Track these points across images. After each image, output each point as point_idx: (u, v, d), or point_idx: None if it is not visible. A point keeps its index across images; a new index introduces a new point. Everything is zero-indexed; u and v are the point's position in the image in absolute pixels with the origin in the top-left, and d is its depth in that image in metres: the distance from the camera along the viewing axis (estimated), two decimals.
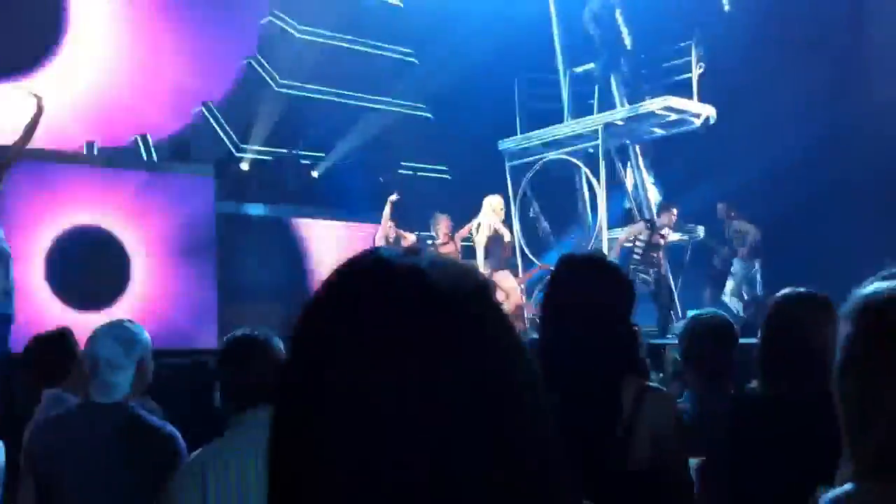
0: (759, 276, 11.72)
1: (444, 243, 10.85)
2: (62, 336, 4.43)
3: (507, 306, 10.47)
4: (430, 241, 11.27)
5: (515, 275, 11.54)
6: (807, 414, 2.47)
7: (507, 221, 12.08)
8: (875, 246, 11.26)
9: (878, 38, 12.16)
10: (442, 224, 10.99)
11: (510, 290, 10.41)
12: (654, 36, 12.59)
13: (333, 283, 0.87)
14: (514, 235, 12.21)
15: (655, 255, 10.82)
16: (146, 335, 3.37)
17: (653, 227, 10.80)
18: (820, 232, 11.34)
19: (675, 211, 11.00)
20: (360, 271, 0.87)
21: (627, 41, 12.51)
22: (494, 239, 10.51)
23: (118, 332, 3.26)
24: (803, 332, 2.79)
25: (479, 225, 10.60)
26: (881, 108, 11.77)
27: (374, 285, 0.84)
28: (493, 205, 10.67)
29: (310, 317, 0.87)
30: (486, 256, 10.45)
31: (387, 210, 11.39)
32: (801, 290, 2.92)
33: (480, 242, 10.50)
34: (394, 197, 11.38)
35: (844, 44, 12.57)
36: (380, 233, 11.50)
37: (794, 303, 2.90)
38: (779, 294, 2.98)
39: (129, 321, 3.39)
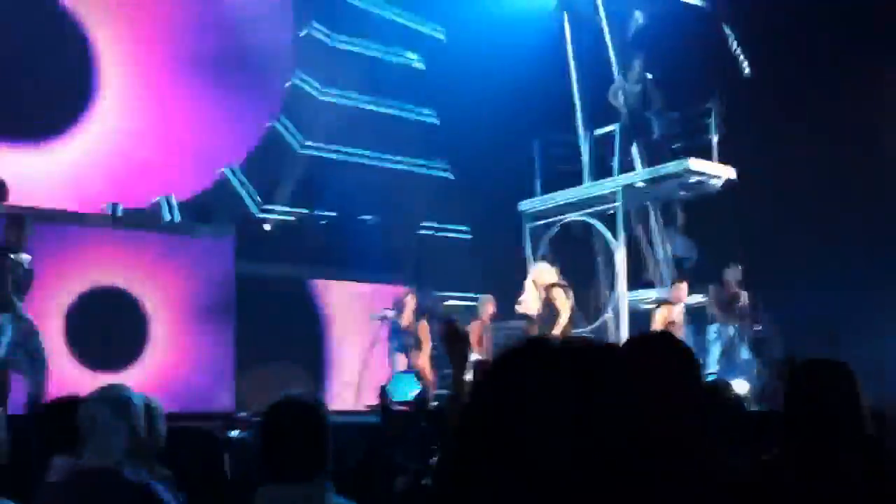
0: (740, 340, 11.37)
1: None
2: (73, 404, 4.39)
3: None
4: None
5: None
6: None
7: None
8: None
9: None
10: (488, 306, 11.29)
11: None
12: (675, 99, 12.63)
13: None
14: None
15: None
16: (139, 399, 3.35)
17: (671, 306, 10.90)
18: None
19: (684, 286, 11.01)
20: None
21: (652, 103, 12.56)
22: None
23: (111, 396, 3.25)
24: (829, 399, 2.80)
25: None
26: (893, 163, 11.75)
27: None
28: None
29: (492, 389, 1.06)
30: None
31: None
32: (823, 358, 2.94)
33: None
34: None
35: (861, 99, 12.57)
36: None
37: (819, 370, 2.90)
38: (802, 361, 2.99)
39: (123, 385, 3.37)
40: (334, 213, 14.84)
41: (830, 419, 2.73)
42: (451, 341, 3.38)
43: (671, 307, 11.03)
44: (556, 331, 10.54)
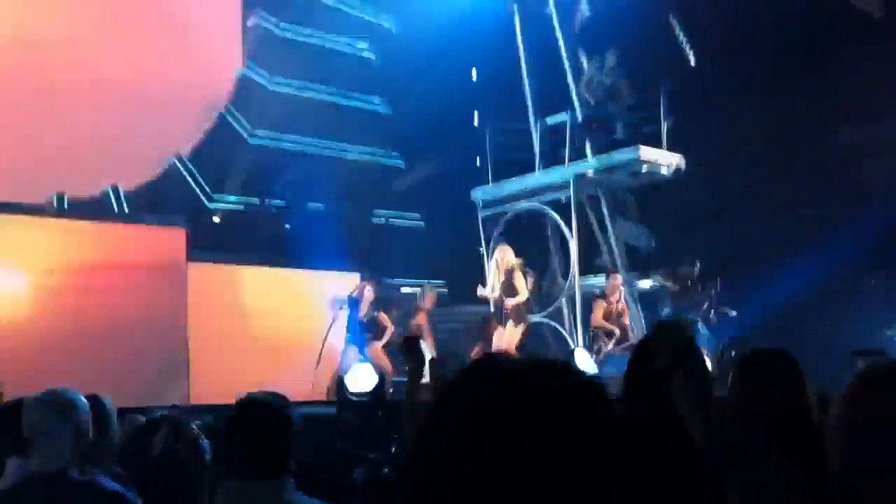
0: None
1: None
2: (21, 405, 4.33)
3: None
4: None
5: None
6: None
7: (478, 270, 12.18)
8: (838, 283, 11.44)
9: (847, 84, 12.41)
10: (429, 296, 11.34)
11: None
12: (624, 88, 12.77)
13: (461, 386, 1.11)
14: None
15: (615, 326, 11.08)
16: (83, 401, 3.31)
17: (606, 299, 11.13)
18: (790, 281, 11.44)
19: (618, 277, 11.26)
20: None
21: (620, 97, 12.69)
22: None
23: (53, 399, 3.20)
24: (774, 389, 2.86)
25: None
26: (848, 152, 12.00)
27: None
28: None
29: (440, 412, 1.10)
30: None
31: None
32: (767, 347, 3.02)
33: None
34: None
35: (809, 89, 12.82)
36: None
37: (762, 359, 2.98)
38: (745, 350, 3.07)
39: (67, 388, 3.32)
40: (285, 203, 14.77)
41: (776, 409, 2.80)
42: (410, 355, 4.11)
43: (608, 299, 11.24)
44: (509, 305, 10.81)
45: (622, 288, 11.45)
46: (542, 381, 1.07)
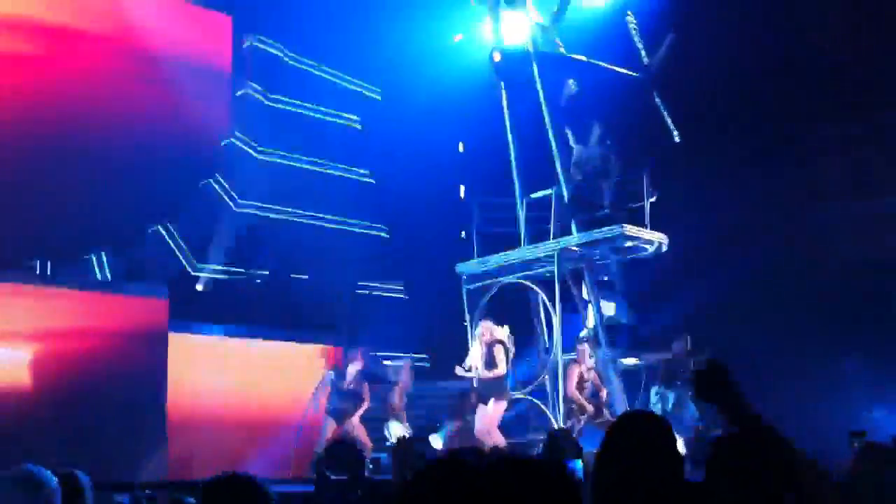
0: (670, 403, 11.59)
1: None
2: None
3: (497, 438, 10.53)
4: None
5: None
6: None
7: (463, 345, 12.12)
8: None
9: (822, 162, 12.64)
10: (406, 374, 11.41)
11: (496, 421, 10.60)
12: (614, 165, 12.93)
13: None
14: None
15: (587, 403, 11.10)
16: (53, 478, 3.23)
17: (580, 366, 11.16)
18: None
19: (584, 347, 11.31)
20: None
21: (611, 171, 12.82)
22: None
23: (20, 478, 3.12)
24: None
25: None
26: (827, 228, 12.14)
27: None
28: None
29: None
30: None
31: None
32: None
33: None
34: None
35: (788, 167, 13.04)
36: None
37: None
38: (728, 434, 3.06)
39: (33, 466, 3.23)
40: (269, 272, 14.73)
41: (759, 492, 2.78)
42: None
43: (581, 366, 11.40)
44: (486, 377, 10.93)
45: (590, 354, 11.50)
46: (500, 489, 1.10)
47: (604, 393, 11.50)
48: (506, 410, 11.23)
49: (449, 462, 1.14)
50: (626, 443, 2.57)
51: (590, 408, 11.14)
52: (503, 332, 11.27)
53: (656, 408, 11.34)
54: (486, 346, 11.07)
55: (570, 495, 1.06)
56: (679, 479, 2.47)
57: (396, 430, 11.22)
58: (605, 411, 11.29)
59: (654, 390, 11.56)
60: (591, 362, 11.49)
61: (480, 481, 1.05)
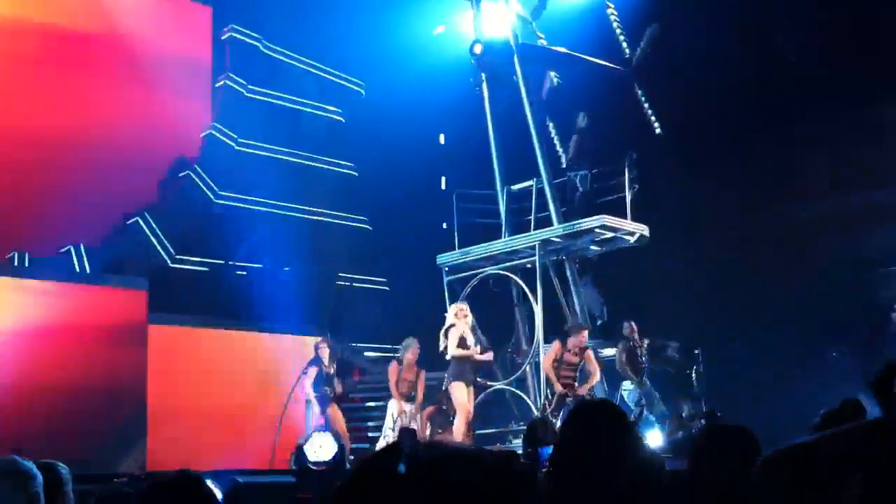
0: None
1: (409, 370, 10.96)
2: None
3: (458, 421, 10.48)
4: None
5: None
6: None
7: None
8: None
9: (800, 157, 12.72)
10: (411, 350, 11.07)
11: (461, 404, 10.48)
12: (591, 157, 12.98)
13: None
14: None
15: (569, 375, 10.87)
16: (36, 469, 3.24)
17: (564, 346, 10.93)
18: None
19: (584, 333, 11.07)
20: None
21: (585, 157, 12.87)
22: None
23: (7, 469, 3.14)
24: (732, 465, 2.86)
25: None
26: (805, 223, 12.22)
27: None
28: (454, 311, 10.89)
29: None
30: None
31: None
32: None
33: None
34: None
35: (769, 162, 13.12)
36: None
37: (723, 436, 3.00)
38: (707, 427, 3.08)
39: (17, 457, 3.25)
40: (250, 264, 14.68)
41: (732, 483, 2.81)
42: None
43: (566, 347, 11.13)
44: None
45: (587, 344, 11.28)
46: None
47: (586, 386, 11.34)
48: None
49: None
50: (578, 433, 2.57)
51: (559, 386, 10.83)
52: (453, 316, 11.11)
53: (630, 400, 11.39)
54: (472, 329, 10.96)
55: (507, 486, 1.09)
56: (642, 465, 2.48)
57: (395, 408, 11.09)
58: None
59: (626, 383, 11.61)
60: (579, 348, 11.22)
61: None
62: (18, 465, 3.19)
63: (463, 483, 1.15)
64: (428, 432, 10.88)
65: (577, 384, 10.83)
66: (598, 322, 12.77)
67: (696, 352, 11.89)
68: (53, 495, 3.69)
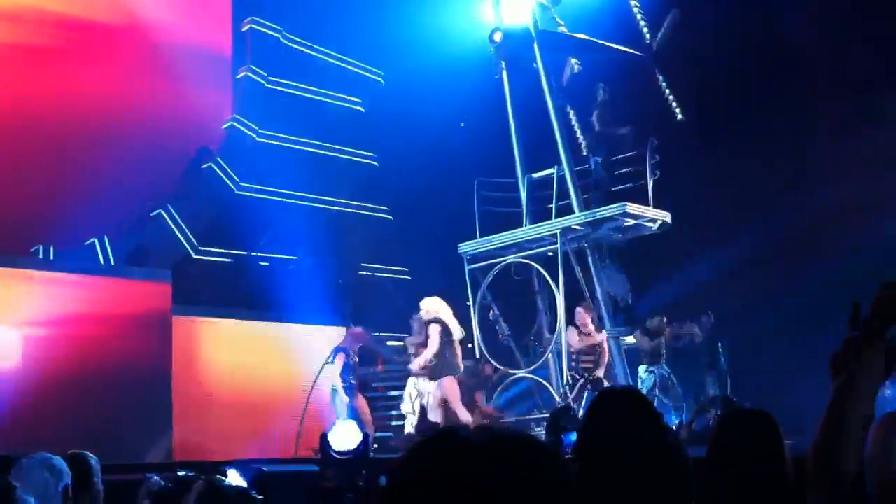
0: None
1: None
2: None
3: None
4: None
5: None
6: None
7: (466, 324, 12.13)
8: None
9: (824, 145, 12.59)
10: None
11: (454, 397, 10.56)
12: (611, 143, 12.92)
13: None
14: (475, 340, 12.41)
15: (588, 359, 11.03)
16: (65, 463, 3.52)
17: (579, 330, 11.13)
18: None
19: (588, 309, 11.25)
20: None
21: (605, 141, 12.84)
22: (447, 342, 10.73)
23: (48, 463, 3.40)
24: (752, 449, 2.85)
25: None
26: (826, 214, 12.12)
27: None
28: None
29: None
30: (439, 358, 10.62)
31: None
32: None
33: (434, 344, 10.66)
34: None
35: (791, 147, 13.01)
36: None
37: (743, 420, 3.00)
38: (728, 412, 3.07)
39: (50, 454, 3.51)
40: (272, 255, 14.74)
41: (753, 469, 2.80)
42: None
43: (579, 328, 11.42)
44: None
45: (591, 318, 11.44)
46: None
47: (602, 367, 11.42)
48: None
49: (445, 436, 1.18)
50: (602, 420, 2.57)
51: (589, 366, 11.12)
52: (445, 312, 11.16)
53: (646, 385, 11.40)
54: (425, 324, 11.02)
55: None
56: (666, 452, 2.47)
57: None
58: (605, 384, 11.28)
59: (642, 369, 11.62)
60: (590, 325, 11.42)
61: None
62: (52, 461, 3.45)
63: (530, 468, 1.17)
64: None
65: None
66: (623, 308, 12.73)
67: (719, 345, 11.87)
68: (81, 484, 3.78)
